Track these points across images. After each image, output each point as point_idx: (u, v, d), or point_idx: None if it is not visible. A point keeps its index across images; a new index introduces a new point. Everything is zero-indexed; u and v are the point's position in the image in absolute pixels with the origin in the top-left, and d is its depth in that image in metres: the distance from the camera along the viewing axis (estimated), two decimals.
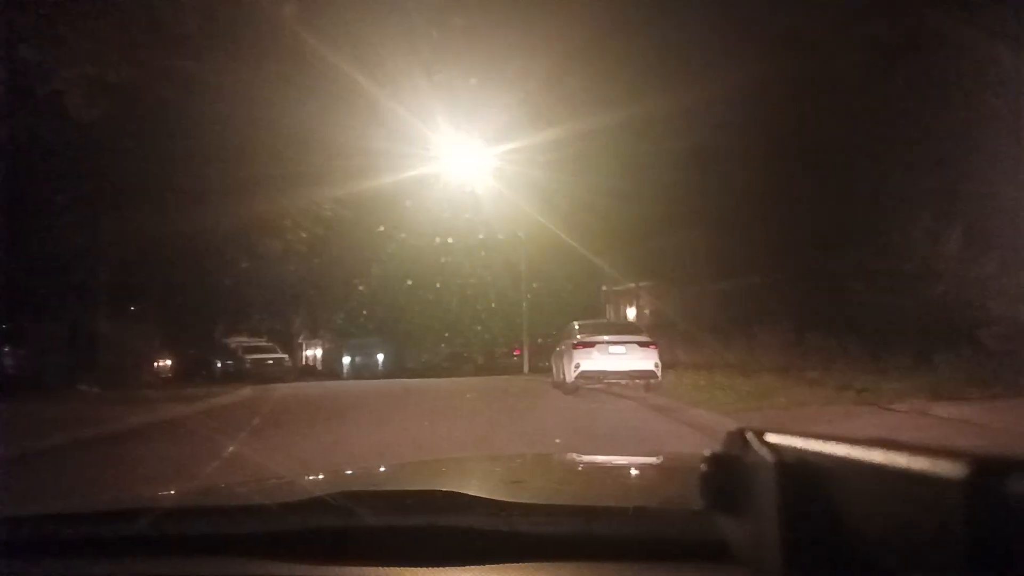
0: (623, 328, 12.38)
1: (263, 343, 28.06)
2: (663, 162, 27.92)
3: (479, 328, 31.25)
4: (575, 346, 11.34)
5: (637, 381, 11.16)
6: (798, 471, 0.48)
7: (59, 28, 13.29)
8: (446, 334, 32.28)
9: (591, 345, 11.23)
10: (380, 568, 0.99)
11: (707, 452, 0.58)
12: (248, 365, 24.98)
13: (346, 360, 43.73)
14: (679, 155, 27.46)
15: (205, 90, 13.79)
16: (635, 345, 11.27)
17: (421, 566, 0.98)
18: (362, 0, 15.65)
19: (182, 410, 10.42)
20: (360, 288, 29.77)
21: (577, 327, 12.15)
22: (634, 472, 1.92)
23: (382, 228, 24.37)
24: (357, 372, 39.40)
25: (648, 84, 26.79)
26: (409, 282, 27.83)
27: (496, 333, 30.57)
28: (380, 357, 39.79)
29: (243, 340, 28.38)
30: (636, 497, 1.37)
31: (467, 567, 0.98)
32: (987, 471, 0.38)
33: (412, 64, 17.09)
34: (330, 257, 25.74)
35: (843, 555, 0.46)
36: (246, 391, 16.40)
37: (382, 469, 2.68)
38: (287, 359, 27.44)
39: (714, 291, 25.99)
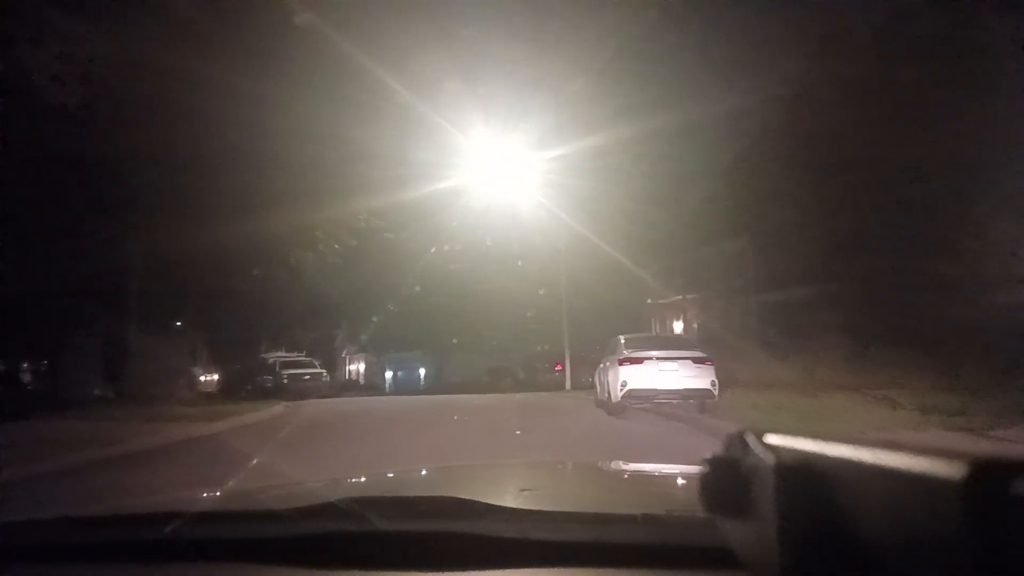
0: (674, 342, 11.32)
1: (300, 358, 27.70)
2: (709, 169, 26.91)
3: (520, 342, 30.44)
4: (622, 362, 10.38)
5: (690, 401, 10.16)
6: (798, 472, 0.48)
7: (91, 34, 13.05)
8: (487, 348, 31.56)
9: (639, 361, 10.27)
10: (391, 573, 1.00)
11: (708, 456, 0.57)
12: (285, 380, 24.62)
13: (388, 375, 43.68)
14: (726, 161, 26.43)
15: (239, 99, 13.34)
16: (688, 361, 10.28)
17: (431, 572, 0.98)
18: (399, 8, 15.23)
19: (198, 430, 9.81)
20: (395, 305, 29.21)
21: (623, 341, 11.20)
22: (643, 479, 1.93)
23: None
24: (399, 386, 39.16)
25: (693, 88, 25.86)
26: (448, 295, 27.14)
27: (537, 347, 29.72)
28: (422, 372, 39.44)
29: (281, 355, 28.10)
30: (644, 504, 1.35)
31: (477, 573, 0.98)
32: (990, 473, 0.37)
33: (450, 72, 16.57)
34: (370, 270, 25.36)
35: (844, 557, 0.45)
36: (277, 408, 15.83)
37: (393, 475, 2.60)
38: (324, 374, 26.99)
39: (764, 303, 24.80)
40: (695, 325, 28.83)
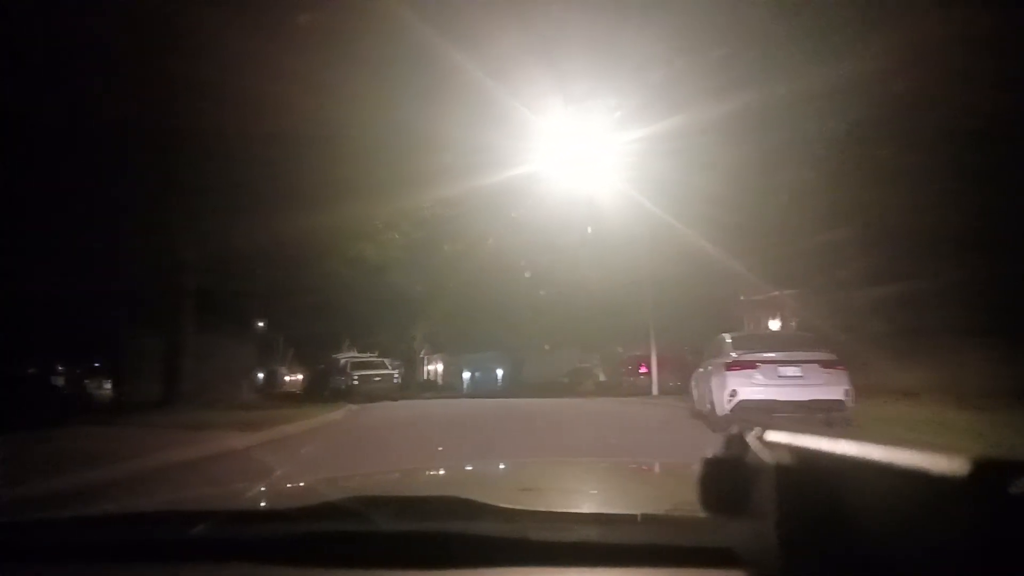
0: (794, 341, 9.06)
1: (371, 358, 26.72)
2: (810, 148, 24.36)
3: (600, 341, 28.50)
4: (729, 367, 8.44)
5: (817, 415, 8.15)
6: (798, 471, 0.48)
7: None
8: (566, 347, 29.84)
9: (752, 366, 8.31)
10: (391, 573, 0.99)
11: (708, 455, 0.57)
12: (355, 382, 23.63)
13: (465, 375, 42.82)
14: (829, 139, 23.81)
15: (301, 83, 12.22)
16: (815, 365, 8.26)
17: (431, 572, 0.97)
18: None
19: (233, 442, 8.56)
20: (472, 302, 27.86)
21: (730, 341, 9.22)
22: (643, 479, 1.92)
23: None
24: (476, 387, 38.17)
25: (792, 59, 23.41)
26: (526, 291, 25.50)
27: (618, 347, 27.72)
28: (499, 372, 38.27)
29: (352, 356, 27.23)
30: (644, 504, 1.33)
31: (477, 573, 0.98)
32: (990, 472, 0.38)
33: (523, 51, 15.10)
34: (443, 265, 24.25)
35: (844, 556, 0.45)
36: (337, 414, 14.63)
37: (396, 475, 2.47)
38: (396, 375, 25.91)
39: (877, 298, 22.23)
40: (792, 324, 26.35)
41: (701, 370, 10.19)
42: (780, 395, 8.16)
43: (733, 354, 8.64)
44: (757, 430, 0.54)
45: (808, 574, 0.47)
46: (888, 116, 19.86)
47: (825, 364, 8.33)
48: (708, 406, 9.03)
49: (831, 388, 8.15)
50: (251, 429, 9.65)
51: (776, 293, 26.98)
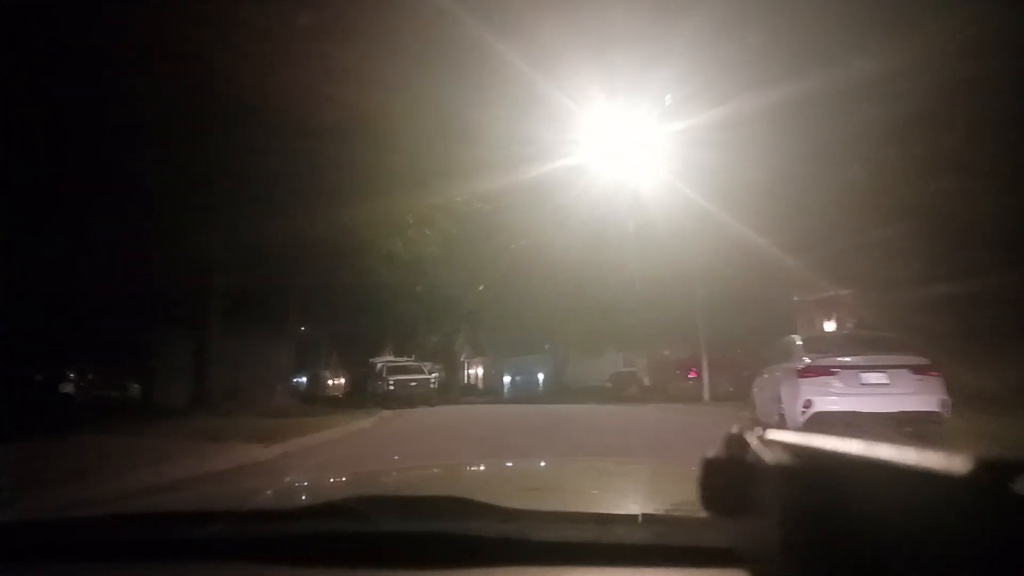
0: (878, 343, 7.61)
1: (408, 362, 26.05)
2: (868, 138, 22.83)
3: (645, 343, 27.25)
4: (803, 373, 7.29)
5: (906, 429, 6.96)
6: (799, 470, 0.48)
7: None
8: (608, 350, 28.67)
9: (829, 372, 7.14)
10: (391, 573, 0.99)
11: (708, 455, 0.58)
12: (391, 387, 22.94)
13: (506, 379, 42.03)
14: (890, 127, 22.26)
15: (339, 77, 11.53)
16: (905, 371, 7.06)
17: (431, 572, 0.97)
18: None
19: (241, 457, 7.77)
20: (512, 303, 26.95)
21: (801, 343, 8.04)
22: (643, 479, 1.93)
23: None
24: (517, 392, 37.36)
25: (849, 42, 21.97)
26: (566, 292, 24.42)
27: (664, 350, 26.46)
28: (540, 376, 37.34)
29: (388, 360, 26.57)
30: (644, 504, 1.31)
31: (477, 573, 0.97)
32: (993, 471, 0.38)
33: (566, 40, 14.21)
34: (486, 268, 23.47)
35: (845, 555, 0.45)
36: (366, 422, 13.86)
37: (396, 474, 2.45)
38: (433, 380, 25.17)
39: (946, 295, 20.69)
40: (850, 325, 24.83)
41: (765, 376, 9.02)
42: (863, 406, 7.00)
43: (806, 358, 7.48)
44: (757, 429, 0.52)
45: (808, 574, 0.46)
46: (956, 103, 18.33)
47: (917, 370, 7.14)
48: (776, 417, 7.86)
49: (925, 398, 6.97)
50: (264, 441, 8.85)
51: (831, 293, 25.56)
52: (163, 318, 15.68)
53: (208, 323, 14.44)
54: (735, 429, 0.57)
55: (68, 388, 15.20)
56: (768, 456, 0.50)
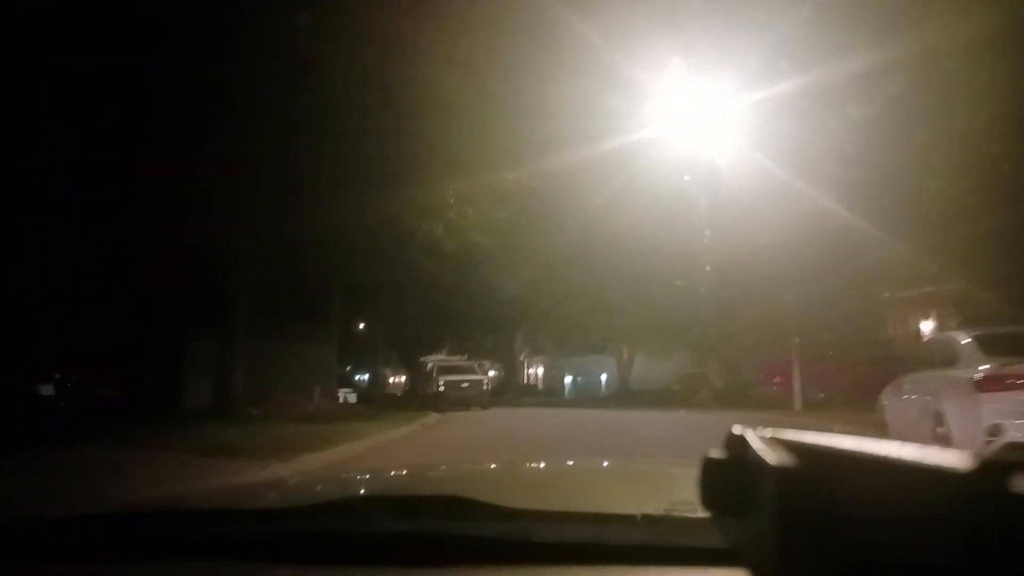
0: None
1: (460, 362, 24.52)
2: (980, 106, 20.08)
3: (718, 340, 24.81)
4: (982, 385, 5.10)
5: None
6: (799, 470, 0.48)
7: None
8: (677, 349, 26.37)
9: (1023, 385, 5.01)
10: (391, 573, 0.98)
11: (708, 455, 0.57)
12: (441, 388, 21.41)
13: (567, 380, 40.25)
14: (1006, 92, 19.46)
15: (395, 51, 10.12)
16: None
17: (431, 572, 0.96)
18: None
19: (220, 478, 6.27)
20: (573, 300, 25.07)
21: (975, 343, 5.88)
22: (643, 479, 1.93)
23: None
24: (578, 393, 35.60)
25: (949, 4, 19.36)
26: (631, 284, 22.34)
27: (740, 348, 23.96)
28: (603, 377, 35.39)
29: (439, 359, 25.09)
30: (644, 504, 1.24)
31: (477, 573, 0.98)
32: (992, 471, 0.38)
33: (640, 7, 12.47)
34: (545, 265, 21.81)
35: (845, 555, 0.45)
36: (407, 429, 12.31)
37: (395, 474, 2.30)
38: (486, 380, 23.53)
39: None
40: (952, 325, 22.04)
41: (907, 385, 6.84)
42: None
43: (989, 364, 5.33)
44: (758, 429, 0.53)
45: (808, 574, 0.46)
46: None
47: None
48: (930, 441, 5.70)
49: None
50: (263, 457, 7.29)
51: (930, 289, 22.83)
52: (187, 318, 14.44)
53: (232, 322, 13.04)
54: (735, 429, 0.55)
55: (49, 391, 14.16)
56: (767, 457, 0.48)
